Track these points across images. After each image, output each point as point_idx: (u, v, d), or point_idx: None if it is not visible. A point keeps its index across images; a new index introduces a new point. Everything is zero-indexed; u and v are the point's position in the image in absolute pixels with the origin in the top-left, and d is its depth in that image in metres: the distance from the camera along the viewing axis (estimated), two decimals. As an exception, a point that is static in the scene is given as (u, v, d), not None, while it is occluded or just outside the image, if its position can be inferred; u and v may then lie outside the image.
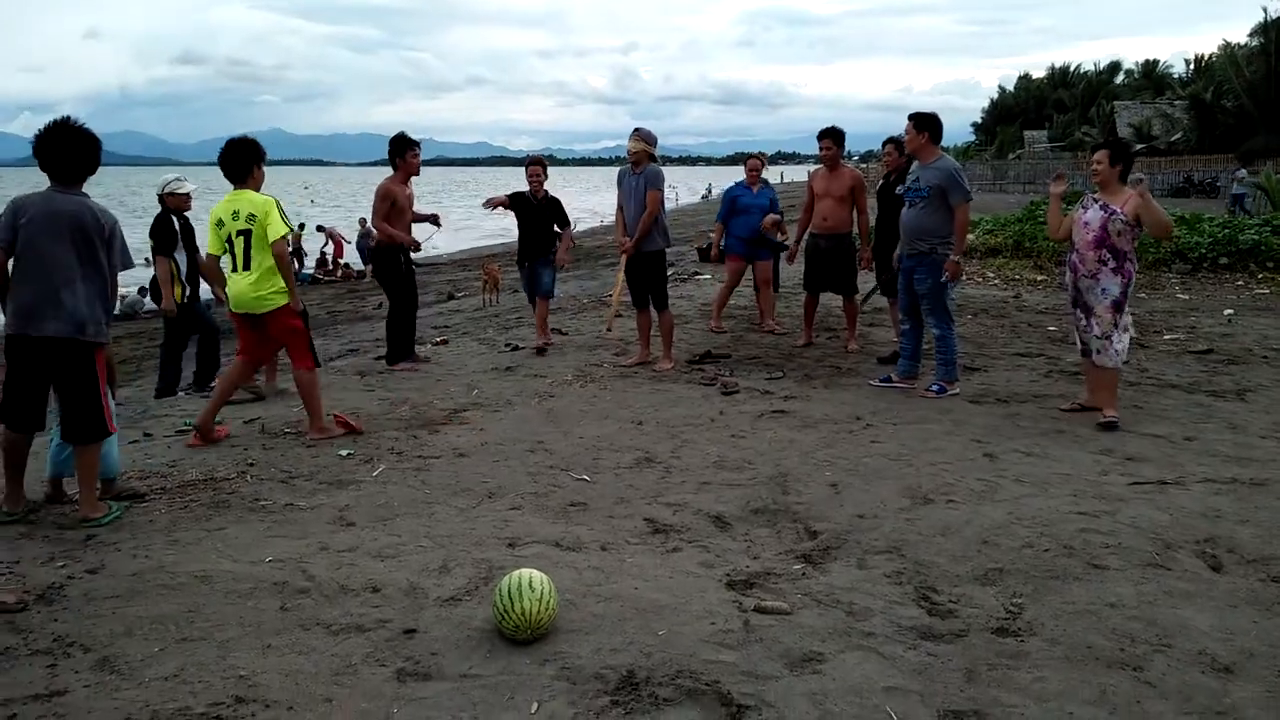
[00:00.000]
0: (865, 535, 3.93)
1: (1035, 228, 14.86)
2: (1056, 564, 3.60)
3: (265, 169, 5.62)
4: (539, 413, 6.04)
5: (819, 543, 3.88)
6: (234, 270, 5.40)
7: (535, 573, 3.09)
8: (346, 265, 22.60)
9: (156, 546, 3.85)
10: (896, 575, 3.53)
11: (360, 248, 23.60)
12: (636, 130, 7.14)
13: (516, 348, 8.31)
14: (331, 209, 44.44)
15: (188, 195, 7.11)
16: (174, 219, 6.99)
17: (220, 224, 5.42)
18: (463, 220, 47.17)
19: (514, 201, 8.14)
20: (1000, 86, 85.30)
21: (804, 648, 2.97)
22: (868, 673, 2.81)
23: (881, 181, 7.74)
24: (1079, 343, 5.82)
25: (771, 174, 10.94)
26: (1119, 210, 5.45)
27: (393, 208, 7.31)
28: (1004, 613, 3.22)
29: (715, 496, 4.44)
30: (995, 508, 4.20)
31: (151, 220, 6.98)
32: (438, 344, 8.94)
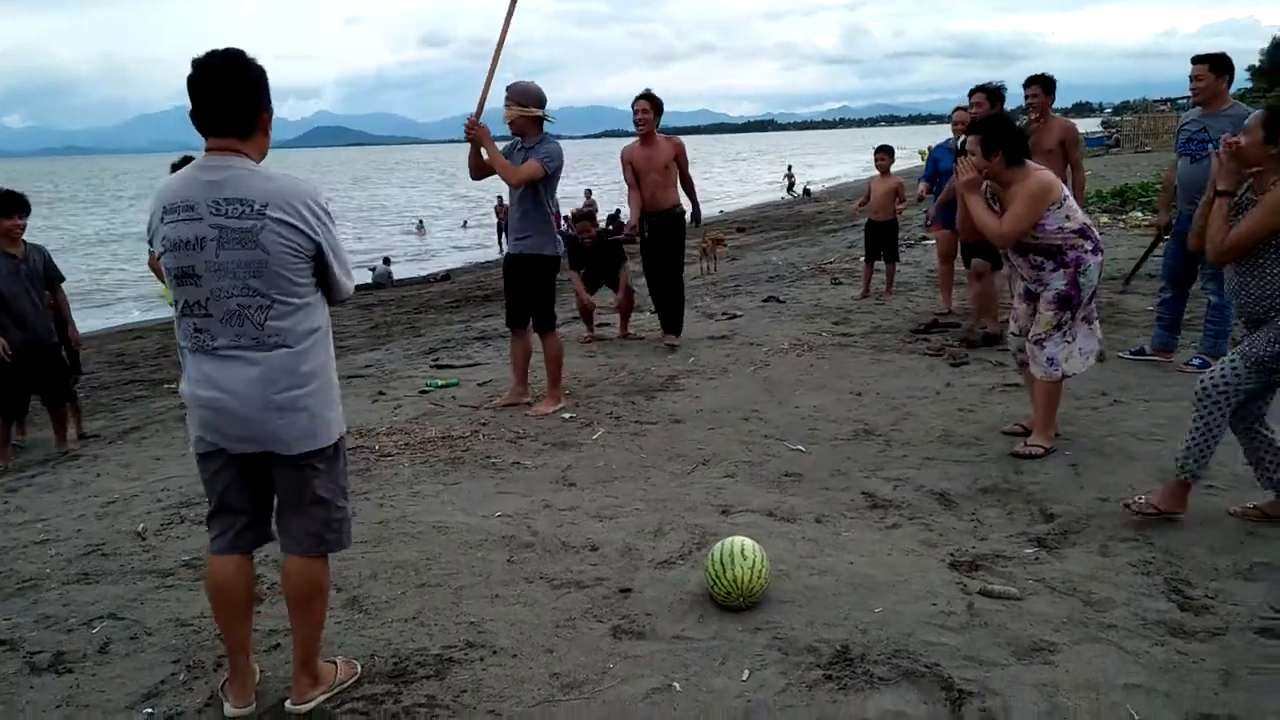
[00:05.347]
0: (1109, 520, 3.62)
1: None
2: (1341, 563, 3.16)
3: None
4: (754, 381, 6.01)
5: (1055, 526, 3.62)
6: None
7: (747, 540, 3.08)
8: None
9: (400, 498, 4.17)
10: (1144, 565, 3.23)
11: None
12: (508, 90, 5.33)
13: (734, 316, 8.30)
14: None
15: None
16: None
17: None
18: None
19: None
20: (1285, 23, 74.37)
21: (1034, 636, 2.78)
22: (1106, 667, 2.60)
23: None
24: (1013, 352, 4.70)
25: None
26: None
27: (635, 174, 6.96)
28: (1271, 612, 2.87)
29: (940, 473, 4.25)
30: (1264, 497, 3.74)
31: None
32: (654, 312, 9.06)
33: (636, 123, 6.86)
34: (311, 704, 2.59)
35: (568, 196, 26.53)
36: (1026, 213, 4.20)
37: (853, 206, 11.01)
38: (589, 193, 25.75)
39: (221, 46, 2.39)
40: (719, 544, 3.08)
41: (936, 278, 8.59)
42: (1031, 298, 4.45)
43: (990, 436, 4.71)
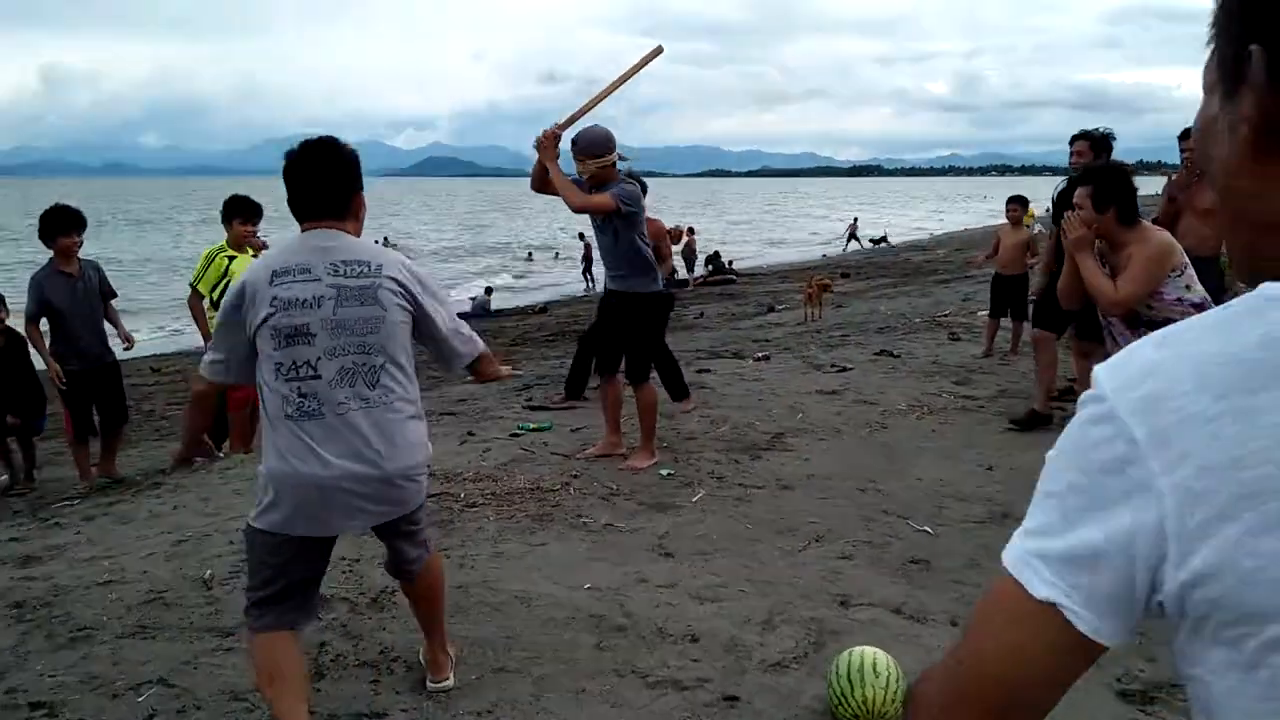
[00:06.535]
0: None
1: None
2: None
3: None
4: (870, 445, 5.50)
5: (1244, 653, 3.03)
6: None
7: (879, 653, 2.61)
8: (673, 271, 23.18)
9: (483, 558, 3.83)
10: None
11: (686, 256, 24.18)
12: (575, 146, 4.81)
13: (844, 369, 7.79)
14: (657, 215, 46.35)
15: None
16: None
17: None
18: (785, 233, 47.26)
19: None
20: None
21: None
22: None
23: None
24: None
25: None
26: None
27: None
28: None
29: (1092, 570, 3.68)
30: None
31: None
32: (758, 359, 8.64)
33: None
34: (452, 677, 2.81)
35: (669, 234, 26.40)
36: (1146, 277, 3.70)
37: (977, 258, 10.26)
38: (691, 230, 25.52)
39: (316, 135, 2.51)
40: (845, 655, 2.62)
41: (1069, 339, 7.91)
42: None
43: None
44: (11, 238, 38.14)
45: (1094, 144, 6.03)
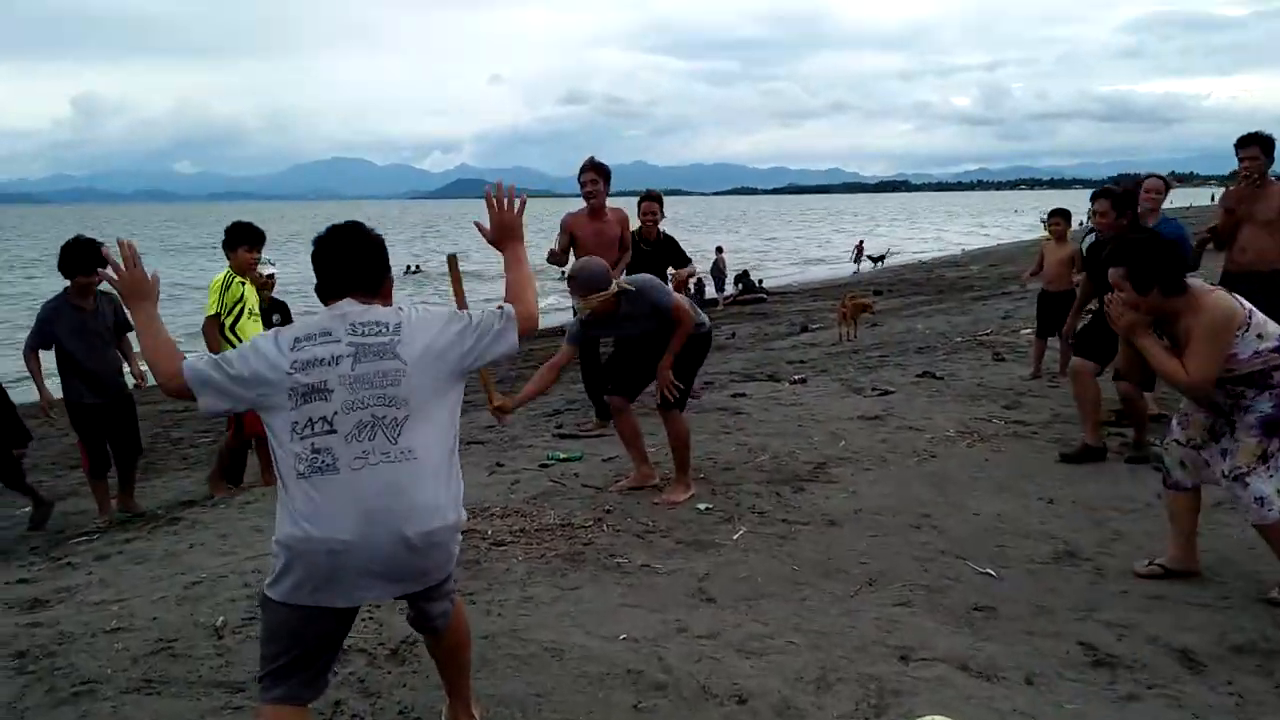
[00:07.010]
0: None
1: None
2: None
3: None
4: (919, 476, 5.20)
5: (1359, 720, 2.72)
6: None
7: (954, 725, 2.33)
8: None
9: (511, 603, 3.58)
10: None
11: (714, 274, 23.94)
12: (572, 285, 4.68)
13: (886, 392, 7.49)
14: (686, 232, 46.19)
15: (268, 279, 6.33)
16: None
17: None
18: (819, 250, 46.86)
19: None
20: None
21: None
22: None
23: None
24: (1168, 468, 3.78)
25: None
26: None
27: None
28: None
29: (1174, 619, 3.37)
30: None
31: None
32: (795, 382, 8.36)
33: (586, 195, 6.49)
34: None
35: (698, 250, 26.19)
36: (1213, 353, 3.42)
37: (1022, 275, 9.92)
38: (720, 249, 25.29)
39: (342, 220, 2.48)
40: (915, 727, 2.34)
41: (1119, 360, 7.55)
42: (1216, 410, 3.61)
43: (1229, 571, 3.79)
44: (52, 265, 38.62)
45: (1115, 202, 5.81)
